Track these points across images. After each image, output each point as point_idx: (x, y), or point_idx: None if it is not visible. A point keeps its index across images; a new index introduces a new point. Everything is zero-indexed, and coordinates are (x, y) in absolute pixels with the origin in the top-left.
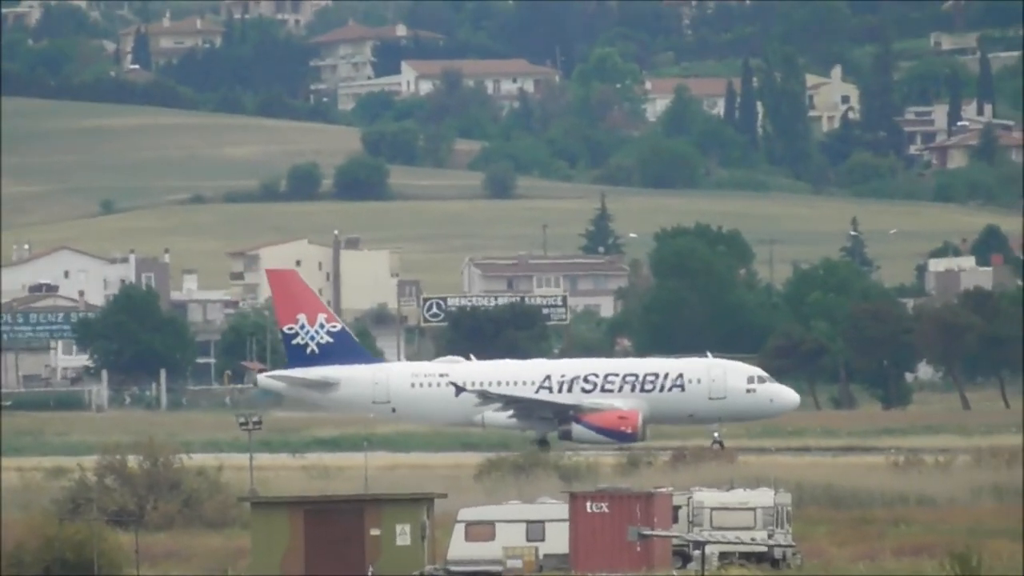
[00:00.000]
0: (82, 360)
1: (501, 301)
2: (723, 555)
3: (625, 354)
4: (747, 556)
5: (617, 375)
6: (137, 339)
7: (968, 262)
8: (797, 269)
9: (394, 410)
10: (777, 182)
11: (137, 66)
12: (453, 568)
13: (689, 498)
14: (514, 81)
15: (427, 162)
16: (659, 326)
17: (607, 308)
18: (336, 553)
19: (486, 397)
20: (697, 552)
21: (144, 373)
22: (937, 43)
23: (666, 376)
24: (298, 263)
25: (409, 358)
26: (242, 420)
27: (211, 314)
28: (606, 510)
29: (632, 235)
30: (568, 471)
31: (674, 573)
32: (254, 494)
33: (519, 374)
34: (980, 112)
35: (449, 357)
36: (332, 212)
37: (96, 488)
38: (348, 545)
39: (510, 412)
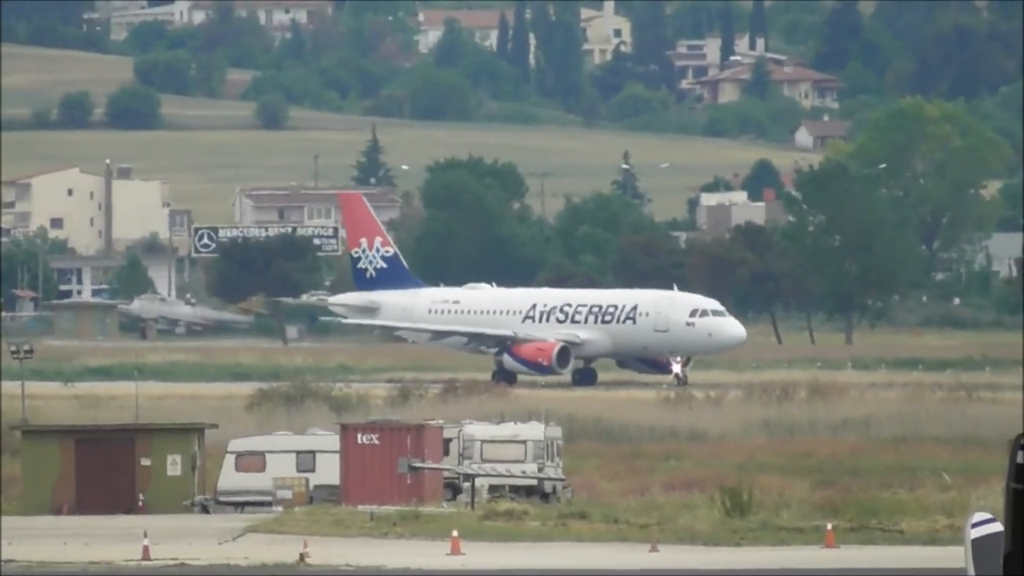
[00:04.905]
0: None
1: (272, 232)
2: (493, 488)
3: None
4: (517, 489)
5: (585, 306)
6: None
7: (740, 197)
8: (569, 202)
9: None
10: (549, 115)
11: None
12: (223, 498)
13: (460, 431)
14: (287, 12)
15: (199, 92)
16: (430, 258)
17: None
18: (107, 482)
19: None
20: (467, 485)
21: None
22: None
23: (623, 308)
24: (70, 192)
25: (180, 288)
26: (13, 348)
27: None
28: (377, 442)
29: (404, 167)
30: (339, 402)
31: (444, 505)
32: (25, 422)
33: (512, 303)
34: (752, 46)
35: (473, 284)
36: (104, 141)
37: None
38: (119, 474)
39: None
